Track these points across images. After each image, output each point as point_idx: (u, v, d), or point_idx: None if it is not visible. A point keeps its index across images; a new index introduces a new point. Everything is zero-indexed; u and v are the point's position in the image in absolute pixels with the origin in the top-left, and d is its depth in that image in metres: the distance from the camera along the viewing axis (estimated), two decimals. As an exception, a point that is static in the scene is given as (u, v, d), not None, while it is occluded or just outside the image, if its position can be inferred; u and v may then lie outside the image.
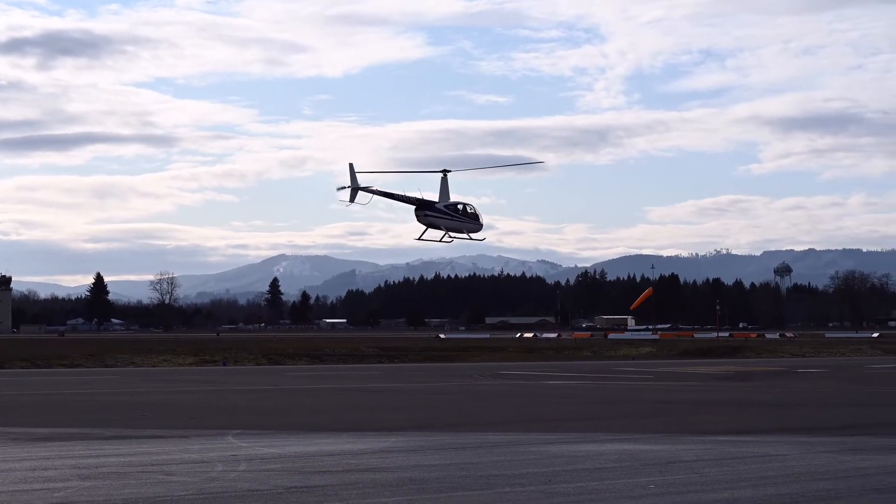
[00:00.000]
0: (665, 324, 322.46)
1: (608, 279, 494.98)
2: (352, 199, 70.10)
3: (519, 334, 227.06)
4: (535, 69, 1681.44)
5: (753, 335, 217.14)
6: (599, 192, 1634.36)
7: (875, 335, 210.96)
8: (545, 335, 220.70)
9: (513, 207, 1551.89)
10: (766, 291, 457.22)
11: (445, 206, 72.50)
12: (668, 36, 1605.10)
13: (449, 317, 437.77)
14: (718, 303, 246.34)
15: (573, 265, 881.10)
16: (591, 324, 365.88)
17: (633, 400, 53.93)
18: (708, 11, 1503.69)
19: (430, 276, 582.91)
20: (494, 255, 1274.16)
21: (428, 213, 72.58)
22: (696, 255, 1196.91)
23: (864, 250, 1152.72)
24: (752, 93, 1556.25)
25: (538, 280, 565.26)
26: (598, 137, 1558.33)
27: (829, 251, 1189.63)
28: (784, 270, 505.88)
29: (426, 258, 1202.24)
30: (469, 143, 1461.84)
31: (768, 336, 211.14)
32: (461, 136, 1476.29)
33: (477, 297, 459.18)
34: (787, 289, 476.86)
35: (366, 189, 70.44)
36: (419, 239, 74.51)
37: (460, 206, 73.31)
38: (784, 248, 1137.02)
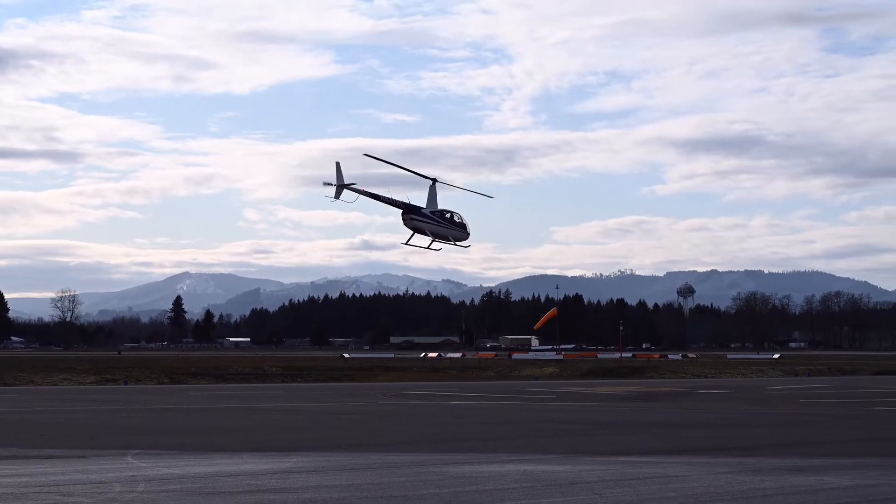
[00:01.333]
0: (569, 344, 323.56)
1: (513, 299, 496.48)
2: (337, 196, 70.32)
3: (423, 354, 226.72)
4: (442, 88, 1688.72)
5: (656, 356, 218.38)
6: (505, 212, 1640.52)
7: (776, 356, 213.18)
8: (450, 355, 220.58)
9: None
10: (669, 312, 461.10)
11: (432, 212, 72.43)
12: (574, 57, 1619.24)
13: (353, 336, 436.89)
14: (622, 323, 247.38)
15: (478, 285, 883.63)
16: (495, 344, 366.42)
17: (535, 420, 54.08)
18: (614, 34, 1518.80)
19: (334, 294, 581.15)
20: (400, 274, 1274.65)
21: (414, 217, 72.38)
22: (601, 275, 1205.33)
23: (766, 272, 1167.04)
24: (657, 114, 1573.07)
25: (443, 300, 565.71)
26: (504, 157, 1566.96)
27: (731, 272, 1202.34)
28: (687, 291, 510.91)
29: (331, 276, 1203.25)
30: (376, 162, 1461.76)
31: (671, 357, 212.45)
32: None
33: (382, 317, 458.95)
34: (690, 309, 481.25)
35: (352, 187, 70.63)
36: (406, 244, 73.95)
37: (447, 214, 73.15)
38: (687, 269, 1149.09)
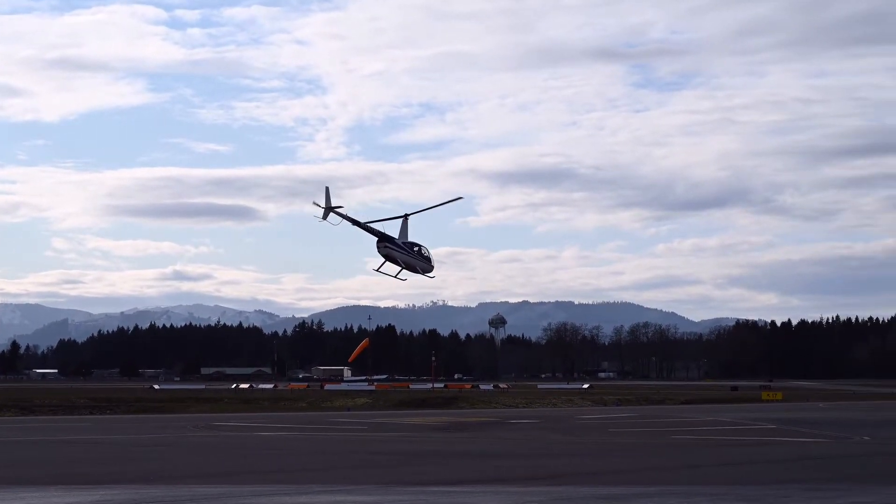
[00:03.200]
0: (382, 374, 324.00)
1: (326, 329, 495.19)
2: (324, 217, 74.83)
3: (235, 385, 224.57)
4: (256, 118, 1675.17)
5: (468, 386, 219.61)
6: (319, 243, 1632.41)
7: (585, 386, 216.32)
8: (261, 386, 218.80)
9: (231, 256, 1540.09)
10: (481, 342, 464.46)
11: (404, 243, 77.53)
12: (389, 89, 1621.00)
13: (164, 367, 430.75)
14: (434, 353, 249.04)
15: (291, 315, 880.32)
16: (308, 374, 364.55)
17: (347, 451, 54.06)
18: (428, 66, 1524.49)
19: (144, 325, 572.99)
20: (211, 304, 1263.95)
21: (388, 245, 77.46)
22: (414, 306, 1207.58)
23: (577, 303, 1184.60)
24: (471, 146, 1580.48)
25: (255, 330, 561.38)
26: (318, 188, 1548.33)
27: (542, 303, 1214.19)
28: (498, 322, 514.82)
29: (141, 307, 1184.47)
30: (188, 192, 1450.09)
31: (482, 387, 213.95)
32: (180, 184, 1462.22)
33: (193, 348, 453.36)
34: (502, 340, 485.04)
35: (337, 212, 75.02)
36: (377, 270, 78.62)
37: (416, 247, 78.32)
38: (499, 300, 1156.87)
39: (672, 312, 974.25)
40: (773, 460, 49.06)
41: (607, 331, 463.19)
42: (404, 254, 77.68)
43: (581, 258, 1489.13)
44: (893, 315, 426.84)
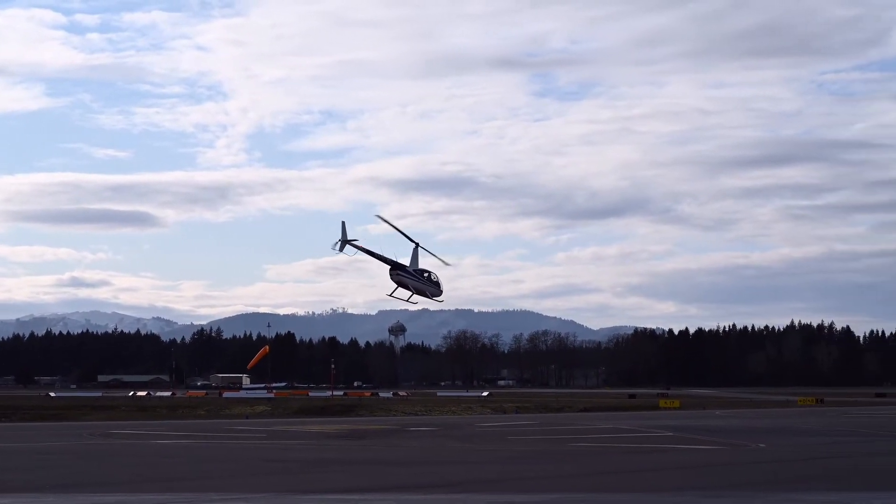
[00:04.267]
0: (281, 382, 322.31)
1: (225, 337, 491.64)
2: (340, 249, 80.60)
3: (132, 392, 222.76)
4: (156, 124, 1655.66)
5: (367, 394, 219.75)
6: (218, 250, 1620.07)
7: (485, 394, 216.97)
8: (159, 393, 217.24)
9: (129, 263, 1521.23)
10: (380, 350, 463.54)
11: (415, 271, 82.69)
12: (290, 96, 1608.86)
13: (60, 375, 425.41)
14: (333, 361, 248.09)
15: (189, 322, 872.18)
16: (206, 382, 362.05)
17: (246, 459, 53.74)
18: (329, 74, 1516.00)
19: (41, 332, 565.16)
20: (109, 311, 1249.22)
21: (400, 273, 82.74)
22: (313, 313, 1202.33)
23: (476, 311, 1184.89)
24: (372, 154, 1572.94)
25: (153, 337, 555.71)
26: (218, 194, 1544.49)
27: (442, 311, 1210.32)
28: (398, 330, 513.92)
29: (37, 314, 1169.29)
30: (86, 197, 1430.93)
31: (382, 395, 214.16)
32: (78, 190, 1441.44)
33: (90, 355, 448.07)
34: (402, 348, 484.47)
35: (353, 244, 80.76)
36: (390, 295, 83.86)
37: (426, 274, 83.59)
38: (399, 308, 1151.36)
39: (571, 321, 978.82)
40: (672, 467, 49.47)
41: (507, 339, 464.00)
42: (415, 280, 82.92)
43: (481, 266, 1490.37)
44: (788, 324, 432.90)
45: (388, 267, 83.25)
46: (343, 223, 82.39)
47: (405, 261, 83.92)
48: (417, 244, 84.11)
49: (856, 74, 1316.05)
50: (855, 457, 56.31)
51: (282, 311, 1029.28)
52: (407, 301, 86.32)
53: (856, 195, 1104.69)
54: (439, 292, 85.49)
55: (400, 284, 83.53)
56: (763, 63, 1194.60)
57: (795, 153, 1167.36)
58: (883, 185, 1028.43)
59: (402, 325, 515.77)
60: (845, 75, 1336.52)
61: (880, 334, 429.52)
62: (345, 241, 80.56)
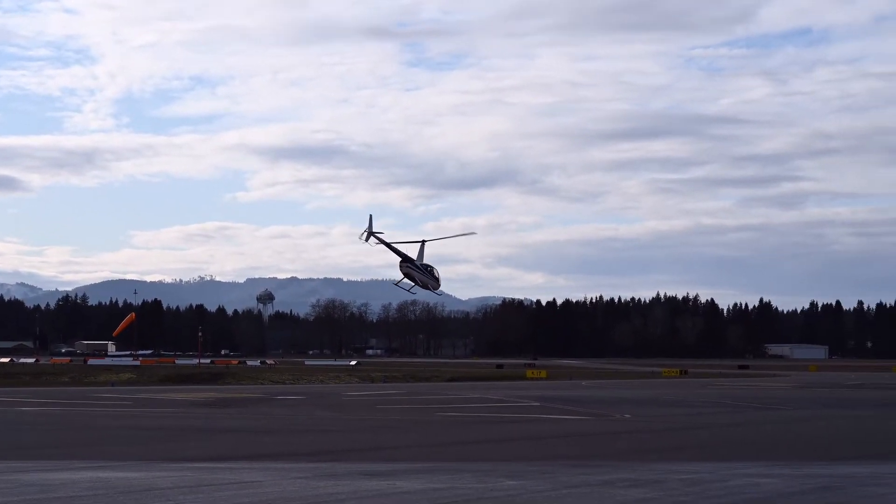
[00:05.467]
0: (147, 350, 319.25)
1: (90, 304, 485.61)
2: (366, 240, 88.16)
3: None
4: (21, 87, 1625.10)
5: (235, 362, 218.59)
6: (84, 215, 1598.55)
7: (353, 363, 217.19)
8: (23, 360, 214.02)
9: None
10: (248, 318, 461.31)
11: (421, 265, 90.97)
12: (160, 61, 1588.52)
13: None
14: (201, 329, 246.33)
15: (55, 289, 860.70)
16: (71, 349, 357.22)
17: (111, 427, 53.16)
18: (201, 39, 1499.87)
19: None
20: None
21: (409, 266, 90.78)
22: (181, 280, 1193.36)
23: (346, 279, 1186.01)
24: (242, 121, 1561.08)
25: (17, 303, 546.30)
26: (84, 160, 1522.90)
27: (311, 279, 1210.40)
28: (267, 298, 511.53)
29: None
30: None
31: (250, 363, 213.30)
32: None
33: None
34: (270, 316, 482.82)
35: (377, 236, 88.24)
36: (396, 284, 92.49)
37: (429, 268, 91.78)
38: (268, 276, 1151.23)
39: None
40: (538, 437, 49.86)
41: (376, 308, 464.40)
42: (421, 273, 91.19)
43: (351, 235, 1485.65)
44: (654, 296, 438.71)
45: (399, 259, 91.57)
46: (370, 216, 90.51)
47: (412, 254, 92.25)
48: (424, 241, 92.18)
49: (723, 50, 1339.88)
50: (716, 427, 57.20)
51: (149, 278, 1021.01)
52: (409, 291, 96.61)
53: (722, 169, 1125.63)
54: (438, 285, 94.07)
55: (408, 276, 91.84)
56: (633, 37, 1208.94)
57: (663, 127, 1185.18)
58: (748, 160, 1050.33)
59: (271, 294, 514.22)
60: (713, 51, 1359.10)
61: (743, 307, 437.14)
62: (370, 233, 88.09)
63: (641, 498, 25.59)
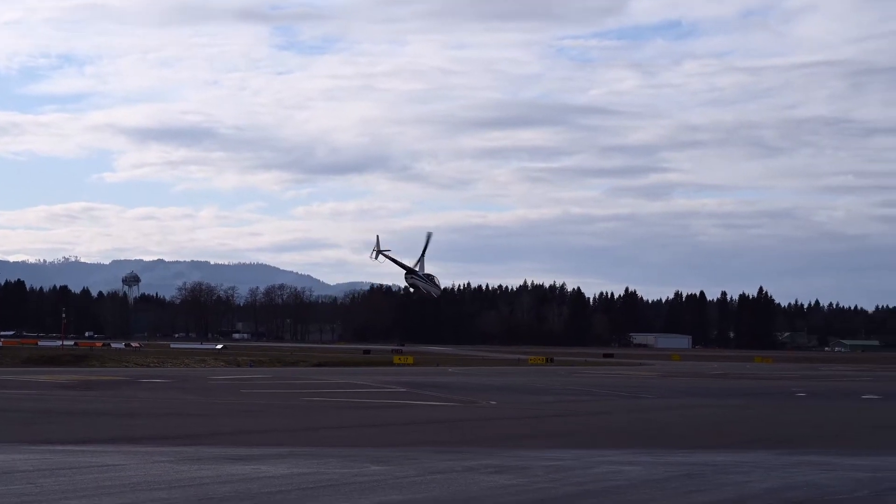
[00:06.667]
0: (9, 331, 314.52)
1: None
2: (375, 258, 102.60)
3: None
4: None
5: (99, 344, 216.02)
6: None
7: (219, 347, 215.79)
8: None
9: None
10: (114, 300, 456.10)
11: (423, 274, 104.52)
12: (26, 38, 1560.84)
13: None
14: (65, 311, 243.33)
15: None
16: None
17: (-30, 408, 52.28)
18: (68, 17, 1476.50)
19: None
20: None
21: (413, 277, 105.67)
22: (45, 261, 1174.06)
23: (213, 263, 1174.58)
24: (110, 100, 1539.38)
25: None
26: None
27: (178, 262, 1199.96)
28: (132, 280, 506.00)
29: None
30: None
31: (114, 345, 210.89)
32: None
33: None
34: (135, 298, 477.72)
35: (385, 253, 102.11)
36: (403, 292, 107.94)
37: (430, 277, 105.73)
38: (134, 258, 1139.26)
39: (308, 275, 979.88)
40: (404, 423, 49.97)
41: (243, 292, 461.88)
42: (423, 282, 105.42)
43: (219, 218, 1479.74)
44: (522, 283, 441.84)
45: (404, 272, 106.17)
46: (377, 237, 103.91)
47: (410, 261, 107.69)
48: (428, 238, 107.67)
49: (594, 41, 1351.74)
50: (581, 415, 57.81)
51: (11, 258, 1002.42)
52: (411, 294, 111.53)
53: (590, 159, 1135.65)
54: (439, 291, 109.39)
55: (412, 286, 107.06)
56: (505, 26, 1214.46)
57: (533, 116, 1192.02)
58: (617, 150, 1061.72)
59: (137, 276, 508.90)
60: (584, 42, 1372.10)
61: (609, 296, 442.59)
62: (378, 251, 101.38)
63: (505, 484, 25.74)
